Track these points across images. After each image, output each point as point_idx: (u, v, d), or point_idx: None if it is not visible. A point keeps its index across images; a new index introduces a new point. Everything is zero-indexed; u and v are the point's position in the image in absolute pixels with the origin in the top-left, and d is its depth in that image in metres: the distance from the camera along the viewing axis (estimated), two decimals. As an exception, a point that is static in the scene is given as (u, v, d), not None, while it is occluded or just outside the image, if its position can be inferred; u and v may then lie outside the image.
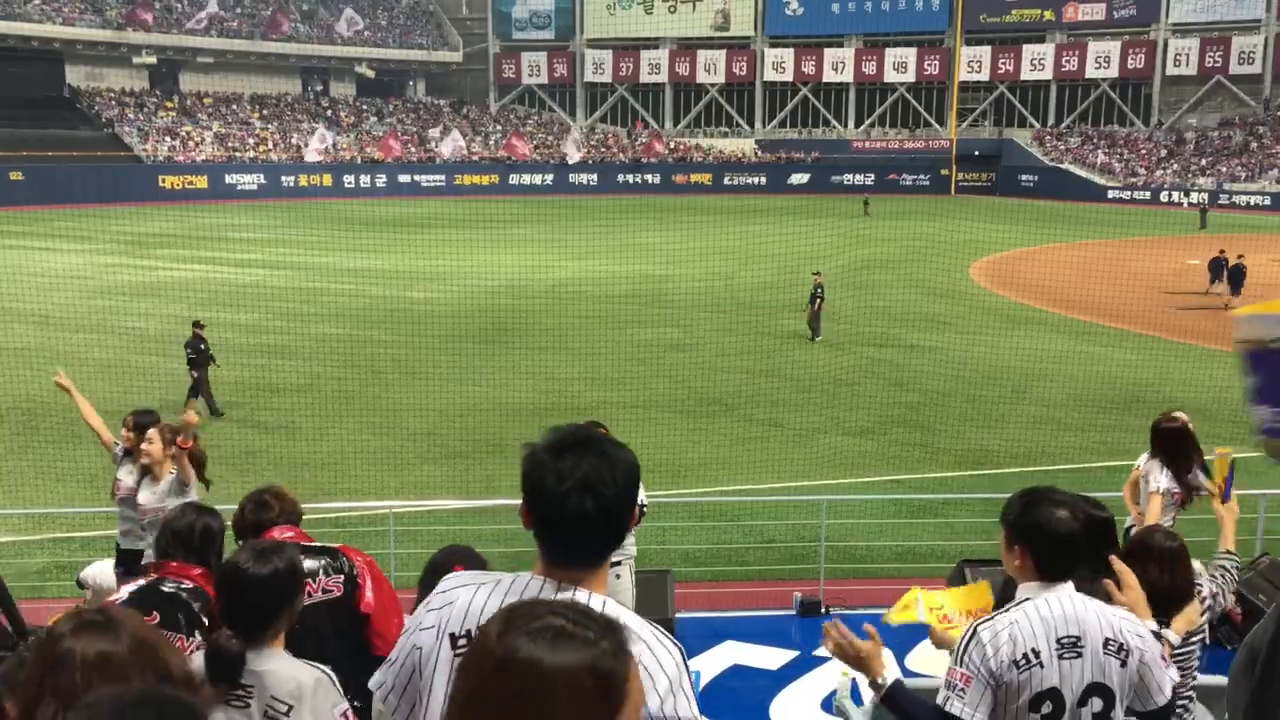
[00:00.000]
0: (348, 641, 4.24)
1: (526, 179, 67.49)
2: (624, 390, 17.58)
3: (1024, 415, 16.85)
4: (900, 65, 75.58)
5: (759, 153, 74.53)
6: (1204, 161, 65.47)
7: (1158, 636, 3.28)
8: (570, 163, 69.13)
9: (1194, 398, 15.42)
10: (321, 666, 3.37)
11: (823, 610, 8.69)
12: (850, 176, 69.47)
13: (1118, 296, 25.38)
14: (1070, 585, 3.16)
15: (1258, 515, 9.22)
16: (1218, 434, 8.53)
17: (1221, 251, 28.77)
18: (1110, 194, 63.42)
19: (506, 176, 67.32)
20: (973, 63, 74.34)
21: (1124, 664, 3.07)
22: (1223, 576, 4.90)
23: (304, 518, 4.90)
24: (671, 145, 75.14)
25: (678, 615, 8.29)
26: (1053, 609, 3.09)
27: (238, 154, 63.51)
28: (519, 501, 2.20)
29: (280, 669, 3.28)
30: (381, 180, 64.10)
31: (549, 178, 68.06)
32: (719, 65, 78.01)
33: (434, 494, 12.70)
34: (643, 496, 6.73)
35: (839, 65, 76.40)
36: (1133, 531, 5.97)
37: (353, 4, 77.29)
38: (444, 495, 12.59)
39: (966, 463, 14.45)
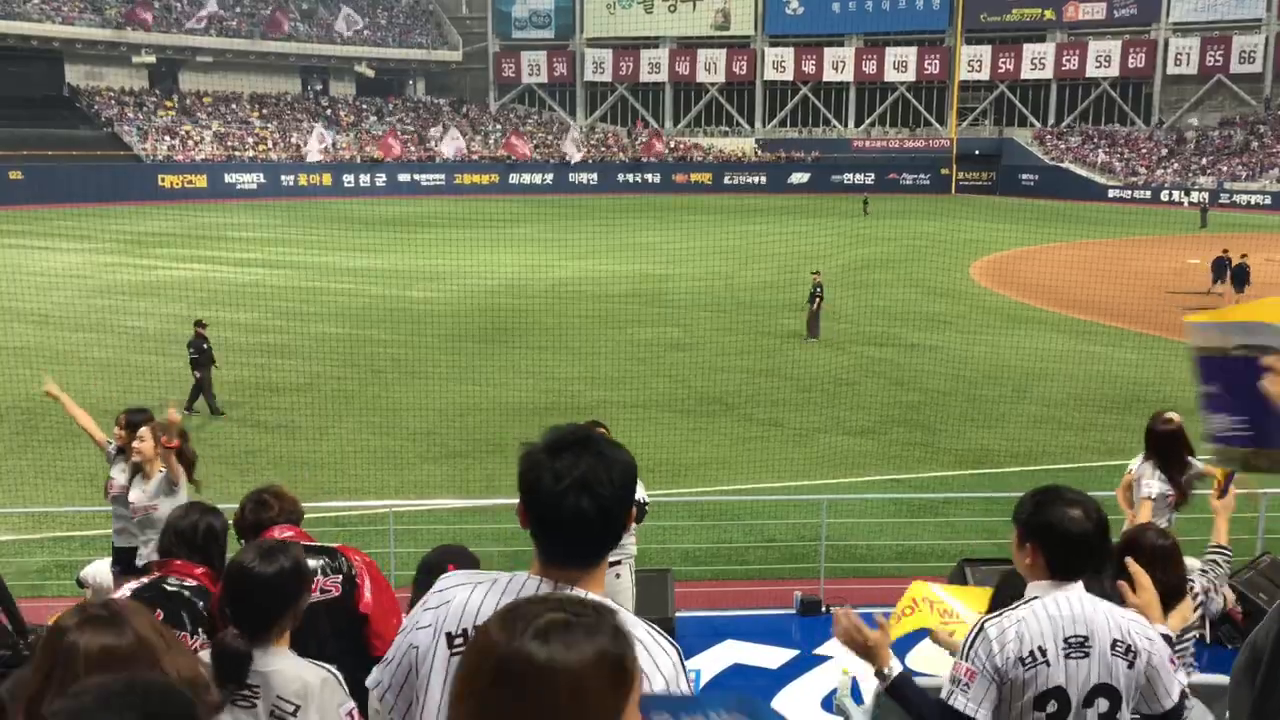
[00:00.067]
0: (346, 641, 4.23)
1: (526, 178, 67.49)
2: (624, 390, 17.58)
3: (1024, 415, 16.84)
4: (900, 64, 75.58)
5: (759, 152, 74.53)
6: (1204, 161, 65.48)
7: (1169, 640, 3.26)
8: (570, 162, 69.14)
9: (1194, 397, 15.40)
10: (327, 666, 3.36)
11: (823, 609, 8.68)
12: (850, 176, 69.45)
13: (1118, 296, 25.37)
14: (1080, 585, 3.16)
15: (1258, 515, 9.21)
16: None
17: (1225, 251, 28.68)
18: (1111, 193, 63.42)
19: (506, 176, 67.32)
20: (973, 62, 74.33)
21: (1131, 665, 3.06)
22: (1214, 571, 4.94)
23: (304, 517, 4.90)
24: (671, 144, 75.14)
25: (678, 614, 8.29)
26: (1061, 608, 3.08)
27: (237, 153, 63.50)
28: (518, 501, 2.20)
29: (286, 668, 3.27)
30: (381, 179, 64.10)
31: (549, 177, 68.05)
32: (719, 64, 78.00)
33: (434, 493, 12.70)
34: (644, 495, 6.73)
35: (839, 64, 76.40)
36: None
37: (352, 4, 77.29)
38: (444, 495, 12.59)
39: (967, 462, 14.45)
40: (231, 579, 3.38)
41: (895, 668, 3.28)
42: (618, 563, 6.82)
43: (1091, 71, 72.34)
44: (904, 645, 7.30)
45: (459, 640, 2.18)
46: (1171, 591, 4.17)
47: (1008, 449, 15.00)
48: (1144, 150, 68.56)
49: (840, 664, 7.35)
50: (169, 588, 4.07)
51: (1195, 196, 58.21)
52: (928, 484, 13.40)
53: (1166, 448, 6.34)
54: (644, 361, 20.26)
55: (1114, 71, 72.11)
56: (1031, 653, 3.03)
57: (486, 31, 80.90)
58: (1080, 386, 18.30)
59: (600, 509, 2.11)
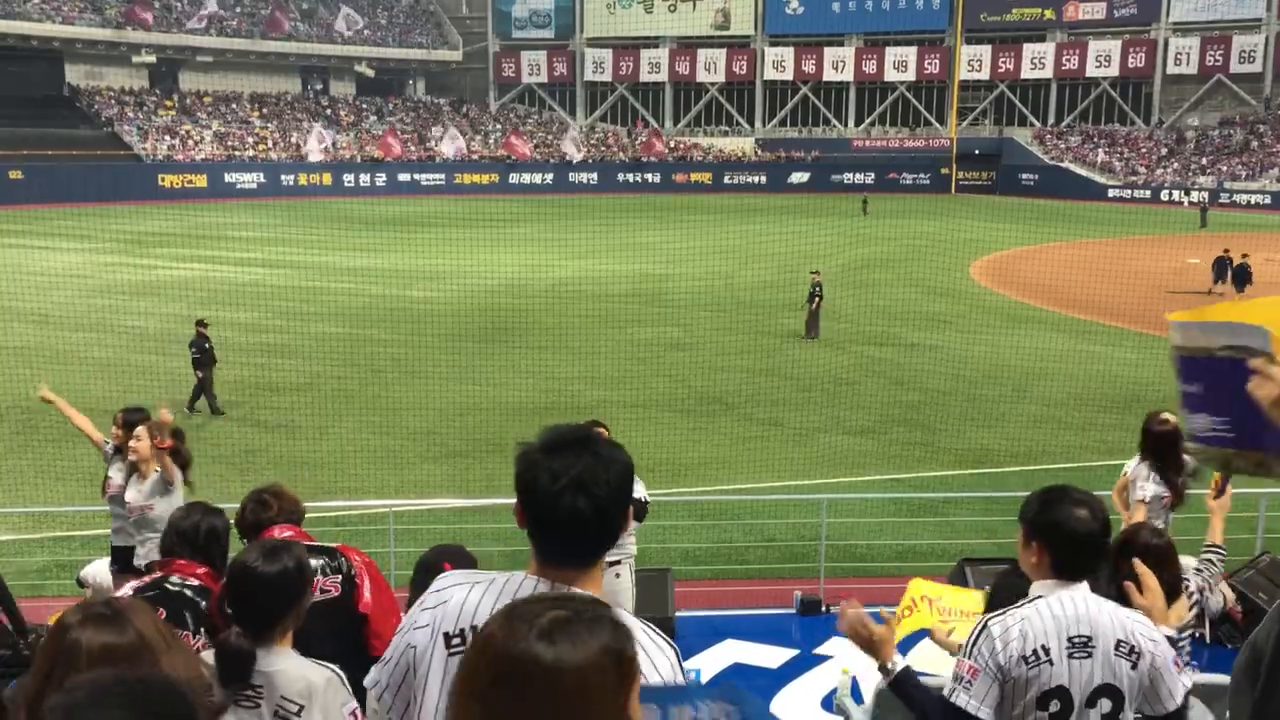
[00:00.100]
0: (345, 642, 4.23)
1: (526, 178, 67.49)
2: (624, 389, 17.58)
3: (1024, 414, 16.84)
4: (900, 64, 75.58)
5: (759, 152, 74.53)
6: (1204, 160, 65.48)
7: (1173, 643, 3.26)
8: (572, 162, 69.16)
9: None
10: (331, 665, 3.36)
11: (823, 609, 8.68)
12: (850, 175, 69.46)
13: (1118, 295, 25.36)
14: (1085, 586, 3.16)
15: (1258, 514, 9.21)
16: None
17: (1226, 250, 28.64)
18: (1111, 193, 63.42)
19: (506, 175, 67.32)
20: (973, 61, 74.33)
21: (1135, 667, 3.06)
22: (1208, 570, 4.97)
23: (305, 517, 4.90)
24: (671, 144, 75.14)
25: (678, 614, 8.29)
26: (1065, 608, 3.08)
27: (237, 153, 63.51)
28: (516, 501, 2.20)
29: (290, 668, 3.27)
30: (381, 179, 64.10)
31: (549, 177, 68.06)
32: (719, 64, 78.00)
33: (434, 493, 12.70)
34: (644, 493, 6.73)
35: (839, 64, 76.39)
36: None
37: (352, 3, 77.30)
38: (444, 494, 12.59)
39: (967, 462, 14.46)
40: (235, 579, 3.38)
41: (899, 663, 3.29)
42: (617, 562, 6.82)
43: (1091, 71, 72.34)
44: (904, 645, 7.31)
45: (456, 640, 2.18)
46: (1166, 591, 4.19)
47: (1008, 449, 15.00)
48: (1144, 150, 68.56)
49: (840, 663, 7.35)
50: (171, 587, 4.08)
51: (1195, 196, 58.22)
52: (928, 484, 13.40)
53: (1163, 448, 6.34)
54: (644, 361, 20.26)
55: (1114, 71, 72.11)
56: (1035, 651, 3.03)
57: (486, 31, 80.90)
58: (1080, 386, 18.30)
59: (597, 509, 2.11)
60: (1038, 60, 73.53)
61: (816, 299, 22.57)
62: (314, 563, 4.34)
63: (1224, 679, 4.57)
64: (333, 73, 76.68)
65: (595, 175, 68.80)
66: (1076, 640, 3.05)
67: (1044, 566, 3.17)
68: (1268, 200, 58.76)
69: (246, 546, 3.62)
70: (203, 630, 4.00)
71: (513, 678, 1.50)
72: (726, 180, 69.82)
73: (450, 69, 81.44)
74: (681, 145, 75.44)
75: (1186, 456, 6.26)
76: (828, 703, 7.02)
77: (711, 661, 7.79)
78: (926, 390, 18.40)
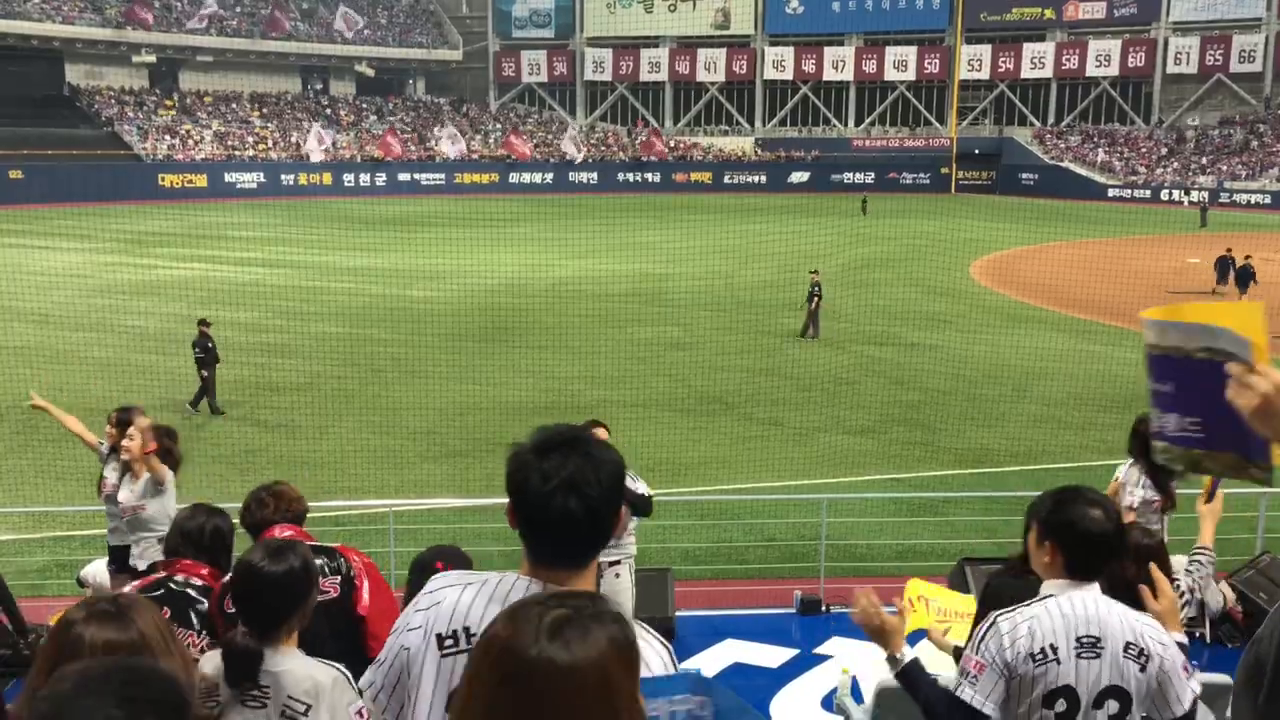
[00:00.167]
0: (344, 643, 4.23)
1: (526, 177, 67.49)
2: (624, 389, 17.58)
3: (1024, 414, 16.84)
4: (900, 64, 75.57)
5: (759, 151, 74.52)
6: (1204, 160, 65.47)
7: (1184, 649, 3.26)
8: (570, 161, 69.17)
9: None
10: (338, 665, 3.37)
11: (823, 609, 8.68)
12: (850, 175, 69.46)
13: (1118, 295, 25.34)
14: (1096, 587, 3.16)
15: (1258, 514, 9.20)
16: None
17: (1228, 250, 28.49)
18: (1110, 192, 63.42)
19: (506, 175, 67.33)
20: (973, 61, 74.32)
21: (1143, 669, 3.05)
22: (1199, 572, 5.03)
23: (307, 516, 4.89)
24: (672, 144, 75.13)
25: (678, 614, 8.29)
26: (1075, 607, 3.08)
27: (237, 152, 63.50)
28: (508, 501, 2.21)
29: (296, 668, 3.28)
30: (381, 179, 64.11)
31: (549, 176, 68.06)
32: (719, 64, 77.99)
33: (434, 492, 12.71)
34: (646, 489, 6.72)
35: (839, 64, 76.38)
36: None
37: (352, 3, 77.31)
38: (444, 494, 12.59)
39: (967, 461, 14.46)
40: (241, 578, 3.38)
41: (907, 654, 3.29)
42: (617, 562, 6.82)
43: (1091, 71, 72.33)
44: (907, 644, 7.31)
45: (449, 642, 2.19)
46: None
47: (1008, 448, 15.00)
48: (1144, 149, 68.56)
49: (840, 663, 7.35)
50: (176, 587, 4.15)
51: (1195, 196, 58.22)
52: (928, 483, 13.40)
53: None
54: (644, 361, 20.26)
55: (1114, 71, 72.10)
56: (1043, 649, 3.03)
57: (487, 31, 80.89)
58: (1080, 386, 18.30)
59: (588, 510, 2.11)
60: (1038, 60, 73.52)
61: (816, 299, 22.57)
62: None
63: (1224, 679, 4.57)
64: (333, 72, 76.68)
65: (595, 175, 68.81)
66: (1085, 640, 3.05)
67: (1056, 566, 3.16)
68: (1268, 200, 58.76)
69: (251, 546, 3.62)
70: (205, 630, 4.03)
71: (527, 679, 1.51)
72: (726, 180, 69.81)
73: (450, 69, 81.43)
74: (681, 145, 75.44)
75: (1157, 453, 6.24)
76: (828, 702, 7.02)
77: (711, 661, 7.79)
78: (926, 390, 18.40)
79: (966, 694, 3.10)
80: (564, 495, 2.10)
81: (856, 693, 6.63)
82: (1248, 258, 27.05)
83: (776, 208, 53.22)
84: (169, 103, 66.61)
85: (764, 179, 69.92)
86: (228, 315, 22.17)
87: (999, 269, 33.92)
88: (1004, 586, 4.04)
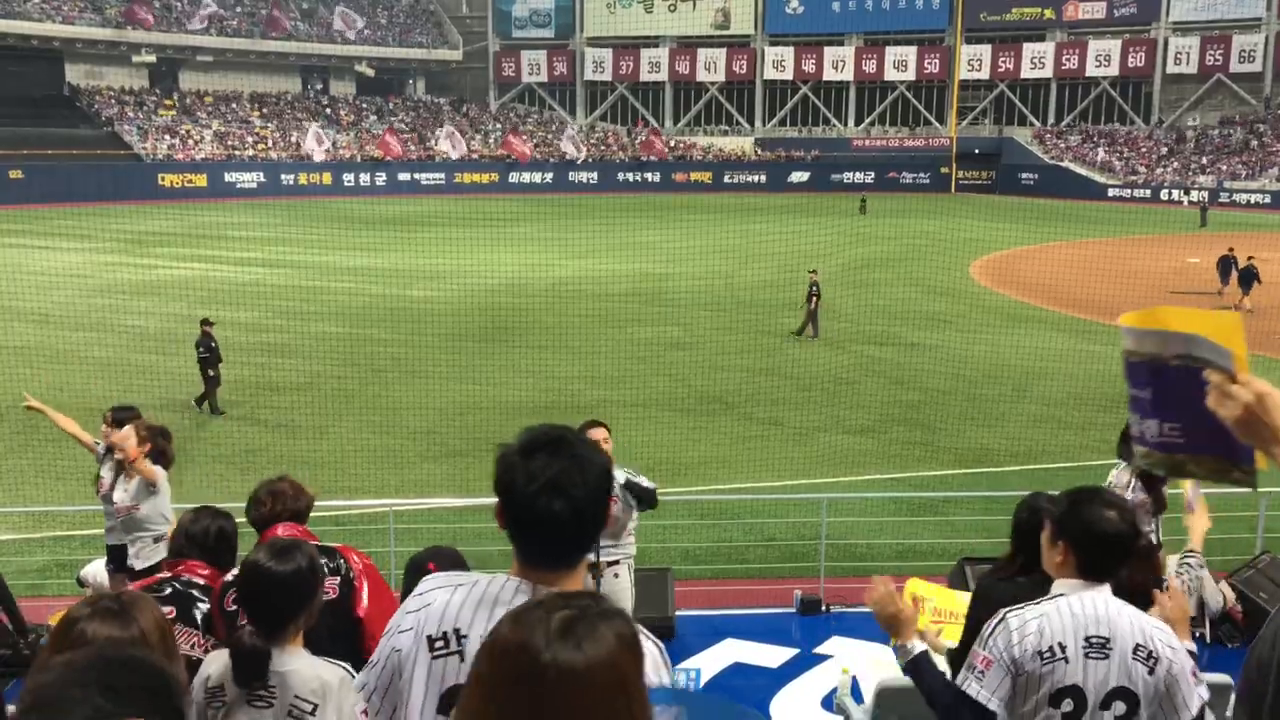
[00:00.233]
0: (343, 644, 4.23)
1: (526, 177, 67.49)
2: (624, 389, 17.58)
3: (1024, 414, 16.84)
4: (900, 63, 75.56)
5: (759, 151, 74.52)
6: (1204, 160, 65.48)
7: (1194, 656, 3.26)
8: (575, 161, 69.18)
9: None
10: (344, 665, 3.37)
11: (823, 609, 8.68)
12: (850, 175, 69.46)
13: (1118, 295, 25.34)
14: (1108, 588, 3.16)
15: (1258, 514, 9.21)
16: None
17: (1230, 250, 28.33)
18: (1110, 192, 63.41)
19: (506, 175, 67.33)
20: (973, 61, 74.31)
21: (1152, 671, 3.05)
22: (1188, 574, 5.13)
23: (310, 514, 4.90)
24: (671, 143, 75.12)
25: (678, 613, 8.29)
26: (1085, 608, 3.08)
27: (237, 152, 63.50)
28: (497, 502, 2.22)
29: (303, 668, 3.28)
30: (381, 178, 64.11)
31: (549, 176, 68.06)
32: (719, 64, 77.99)
33: (434, 492, 12.70)
34: (648, 482, 6.68)
35: (839, 63, 76.38)
36: None
37: (352, 3, 77.31)
38: (444, 493, 12.59)
39: (967, 461, 14.46)
40: (247, 579, 3.38)
41: (916, 645, 3.30)
42: (616, 562, 6.81)
43: (1091, 71, 72.33)
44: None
45: (440, 643, 2.20)
46: (1148, 591, 4.21)
47: (1007, 448, 15.00)
48: (1144, 149, 68.56)
49: (840, 663, 7.35)
50: (180, 586, 4.20)
51: (1195, 195, 58.21)
52: (928, 483, 13.40)
53: None
54: (644, 360, 20.26)
55: (1114, 71, 72.09)
56: (1051, 648, 3.04)
57: (487, 31, 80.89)
58: (1080, 385, 18.29)
59: (574, 511, 2.12)
60: (1038, 60, 73.51)
61: (815, 298, 22.57)
62: (317, 562, 4.36)
63: (1224, 678, 4.58)
64: (333, 72, 76.68)
65: (595, 175, 68.81)
66: (1094, 640, 3.04)
67: (1069, 566, 3.17)
68: (1267, 200, 58.75)
69: (256, 546, 3.63)
70: (208, 630, 4.05)
71: (539, 680, 1.51)
72: (726, 180, 69.81)
73: (450, 68, 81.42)
74: (681, 144, 75.44)
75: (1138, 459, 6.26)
76: (828, 702, 7.02)
77: (711, 661, 7.79)
78: (926, 390, 18.40)
79: (973, 689, 3.10)
80: (549, 496, 2.11)
81: (856, 693, 6.63)
82: (1250, 258, 26.83)
83: (776, 207, 53.21)
84: (169, 103, 66.61)
85: (764, 179, 69.91)
86: (228, 315, 22.15)
87: (999, 269, 33.92)
88: (992, 589, 4.05)
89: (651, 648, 2.12)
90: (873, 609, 3.35)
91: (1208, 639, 7.60)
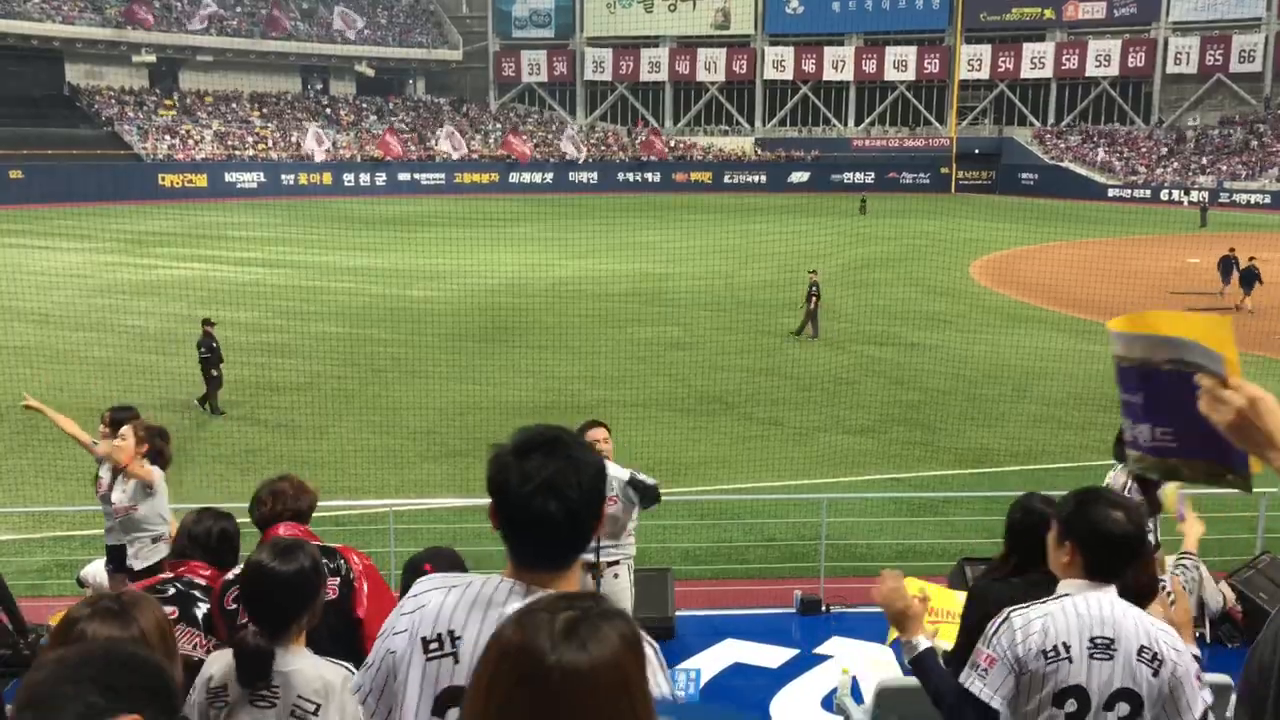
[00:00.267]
0: (343, 645, 4.24)
1: (526, 177, 67.49)
2: (624, 389, 17.58)
3: (1024, 414, 16.84)
4: (900, 64, 75.56)
5: (759, 151, 74.52)
6: (1204, 160, 65.48)
7: (1198, 661, 3.26)
8: (569, 160, 69.18)
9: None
10: (346, 665, 3.38)
11: (823, 609, 8.69)
12: (850, 175, 69.46)
13: (1118, 295, 25.35)
14: (1114, 589, 3.15)
15: (1258, 514, 9.21)
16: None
17: (1231, 250, 28.26)
18: (1110, 192, 63.41)
19: (506, 175, 67.33)
20: (973, 61, 74.32)
21: (1156, 674, 3.05)
22: (1185, 575, 5.22)
23: (312, 513, 4.91)
24: (671, 144, 75.13)
25: (678, 613, 8.29)
26: (1091, 608, 3.08)
27: (237, 152, 63.50)
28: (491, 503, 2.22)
29: (306, 667, 3.28)
30: (381, 178, 64.11)
31: (549, 176, 68.06)
32: (719, 64, 77.99)
33: (434, 492, 12.70)
34: (650, 479, 6.66)
35: (839, 64, 76.38)
36: None
37: (352, 3, 77.30)
38: (444, 494, 12.59)
39: (967, 461, 14.46)
40: (251, 579, 3.39)
41: (924, 642, 3.29)
42: (616, 563, 6.81)
43: (1091, 71, 72.34)
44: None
45: (434, 645, 2.20)
46: (1144, 590, 4.22)
47: (1008, 448, 15.00)
48: (1144, 149, 68.56)
49: (840, 663, 7.35)
50: (182, 586, 4.23)
51: (1195, 195, 58.20)
52: (928, 483, 13.40)
53: None
54: (644, 360, 20.26)
55: (1114, 71, 72.10)
56: (1055, 647, 3.03)
57: (487, 31, 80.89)
58: (1080, 385, 18.29)
59: (568, 512, 2.12)
60: (1038, 60, 73.52)
61: (814, 298, 22.57)
62: (318, 562, 4.37)
63: (1224, 678, 4.58)
64: (333, 72, 76.68)
65: (595, 175, 68.82)
66: (1099, 641, 3.04)
67: (1076, 566, 3.16)
68: (1267, 200, 58.74)
69: (259, 546, 3.63)
70: (209, 629, 4.07)
71: (544, 682, 1.51)
72: (726, 180, 69.81)
73: (450, 68, 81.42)
74: (681, 144, 75.44)
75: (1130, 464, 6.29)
76: (828, 702, 7.02)
77: (711, 661, 7.79)
78: (926, 390, 18.40)
79: (975, 686, 3.10)
80: (544, 497, 2.11)
81: (856, 693, 6.63)
82: (1252, 259, 26.71)
83: (776, 208, 53.22)
84: (169, 102, 66.61)
85: (764, 179, 69.92)
86: (228, 315, 22.14)
87: (999, 269, 33.92)
88: (987, 590, 4.05)
89: (646, 648, 2.12)
90: (881, 603, 3.35)
91: (1207, 639, 7.60)
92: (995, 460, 14.48)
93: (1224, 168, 63.65)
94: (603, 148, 74.07)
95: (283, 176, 61.84)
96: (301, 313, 25.33)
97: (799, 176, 70.35)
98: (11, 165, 52.31)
